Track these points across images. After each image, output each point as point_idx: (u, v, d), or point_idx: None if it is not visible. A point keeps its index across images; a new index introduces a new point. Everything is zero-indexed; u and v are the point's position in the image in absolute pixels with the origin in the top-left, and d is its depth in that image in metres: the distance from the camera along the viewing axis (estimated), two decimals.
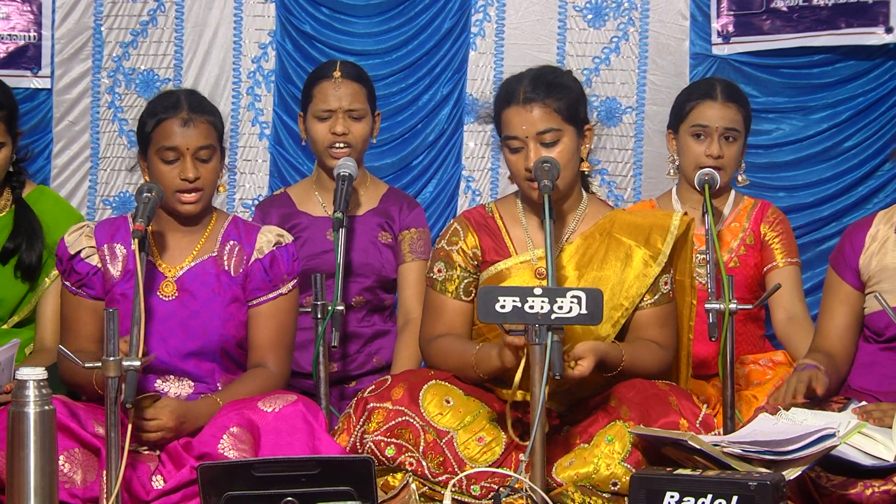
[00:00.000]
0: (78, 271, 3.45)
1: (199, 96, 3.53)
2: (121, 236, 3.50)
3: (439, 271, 3.56)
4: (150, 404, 3.19)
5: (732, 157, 4.13)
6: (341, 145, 4.04)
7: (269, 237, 3.51)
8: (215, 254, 3.48)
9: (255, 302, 3.49)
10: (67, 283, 3.48)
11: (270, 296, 3.48)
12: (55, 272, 3.82)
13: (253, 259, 3.48)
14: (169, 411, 3.19)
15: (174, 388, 3.41)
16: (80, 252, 3.46)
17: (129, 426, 2.96)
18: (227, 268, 3.47)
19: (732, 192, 4.27)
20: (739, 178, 4.19)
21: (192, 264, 3.47)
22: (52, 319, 3.82)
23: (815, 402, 3.34)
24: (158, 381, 3.42)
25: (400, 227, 4.14)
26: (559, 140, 3.41)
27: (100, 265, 3.46)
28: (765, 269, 4.20)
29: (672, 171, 4.24)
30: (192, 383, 3.42)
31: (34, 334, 3.93)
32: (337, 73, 4.07)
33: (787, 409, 3.25)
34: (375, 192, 4.20)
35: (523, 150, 3.41)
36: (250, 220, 3.81)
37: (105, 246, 3.48)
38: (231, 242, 3.50)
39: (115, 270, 3.46)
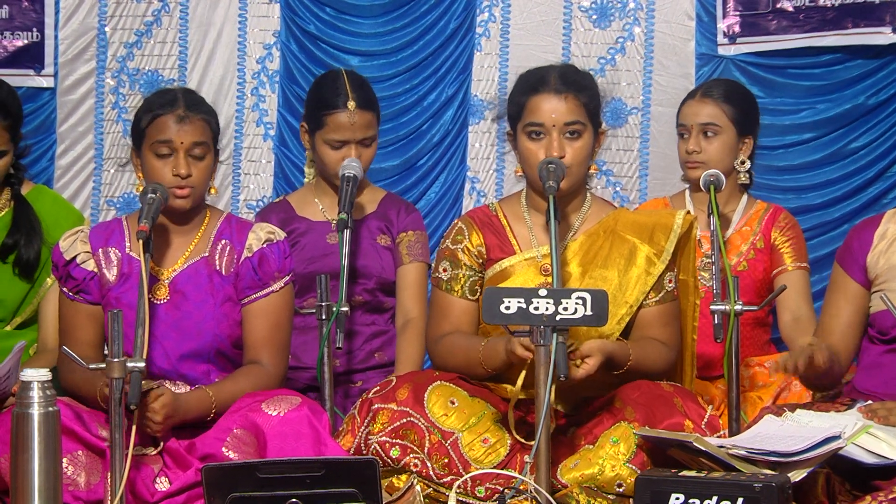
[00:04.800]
0: (74, 277, 3.46)
1: (197, 95, 3.55)
2: (115, 240, 3.50)
3: (445, 271, 3.58)
4: (149, 385, 3.17)
5: (714, 152, 4.16)
6: None
7: (259, 234, 3.50)
8: (207, 254, 3.49)
9: (246, 300, 3.48)
10: (65, 288, 3.48)
11: (262, 293, 3.48)
12: None
13: (243, 258, 3.48)
14: (161, 404, 3.16)
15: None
16: (75, 257, 3.46)
17: (134, 428, 2.98)
18: (218, 267, 3.48)
19: (744, 197, 4.28)
20: (741, 177, 4.22)
21: (185, 266, 3.47)
22: (54, 320, 3.81)
23: (821, 397, 3.35)
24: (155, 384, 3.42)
25: (398, 229, 4.19)
26: (581, 135, 3.44)
27: (96, 270, 3.46)
28: (773, 273, 4.21)
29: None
30: (188, 387, 3.42)
31: (37, 335, 3.94)
32: (352, 105, 4.06)
33: (791, 410, 3.27)
34: (374, 197, 4.25)
35: (544, 138, 3.43)
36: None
37: (100, 250, 3.48)
38: (223, 242, 3.51)
39: (111, 275, 3.46)
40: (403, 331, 4.10)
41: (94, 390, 3.25)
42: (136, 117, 3.49)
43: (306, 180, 4.34)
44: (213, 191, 3.52)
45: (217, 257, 3.49)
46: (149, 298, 3.37)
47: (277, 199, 4.38)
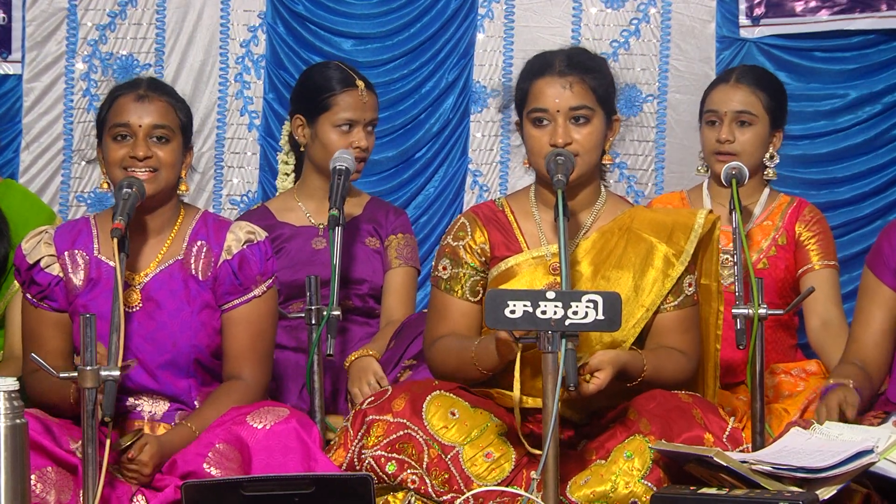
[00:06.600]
0: (38, 282, 3.44)
1: (163, 82, 3.56)
2: (82, 242, 3.48)
3: (444, 269, 3.58)
4: (130, 439, 3.20)
5: (748, 143, 4.16)
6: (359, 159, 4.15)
7: (238, 235, 3.49)
8: (182, 257, 3.48)
9: (226, 307, 3.48)
10: (28, 294, 3.47)
11: (243, 299, 3.48)
12: None
13: (221, 261, 3.47)
14: (149, 455, 3.18)
15: (148, 406, 3.43)
16: (39, 261, 3.44)
17: (108, 442, 2.99)
18: (194, 272, 3.46)
19: (766, 189, 4.28)
20: (769, 172, 4.22)
21: (158, 270, 3.46)
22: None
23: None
24: (131, 399, 3.42)
25: (387, 231, 4.28)
26: (590, 121, 3.45)
27: (61, 274, 3.45)
28: (799, 272, 4.21)
29: (701, 166, 4.27)
30: (168, 404, 3.44)
31: (4, 341, 3.94)
32: (361, 84, 4.18)
33: (821, 423, 3.27)
34: (359, 201, 4.33)
35: (549, 125, 3.45)
36: None
37: (66, 253, 3.46)
38: (199, 243, 3.49)
39: (78, 280, 3.45)
40: (383, 329, 4.18)
41: (64, 400, 3.25)
42: (99, 109, 3.49)
43: (279, 192, 4.38)
44: (184, 188, 3.51)
45: (193, 260, 3.48)
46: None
47: (255, 206, 4.45)
